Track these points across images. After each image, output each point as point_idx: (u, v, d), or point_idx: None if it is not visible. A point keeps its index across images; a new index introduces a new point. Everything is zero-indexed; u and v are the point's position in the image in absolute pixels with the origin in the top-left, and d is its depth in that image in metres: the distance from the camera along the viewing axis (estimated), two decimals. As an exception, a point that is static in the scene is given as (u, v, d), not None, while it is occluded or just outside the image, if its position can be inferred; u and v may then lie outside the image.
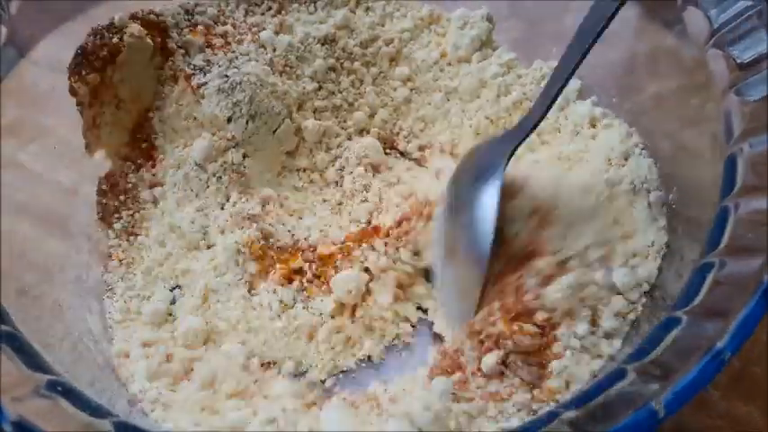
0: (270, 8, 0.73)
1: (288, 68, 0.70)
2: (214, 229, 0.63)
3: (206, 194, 0.64)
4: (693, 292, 0.45)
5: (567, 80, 0.57)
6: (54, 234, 0.59)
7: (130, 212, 0.65)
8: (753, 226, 0.45)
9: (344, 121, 0.72)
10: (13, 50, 0.59)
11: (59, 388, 0.41)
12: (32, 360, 0.43)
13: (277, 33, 0.71)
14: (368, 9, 0.75)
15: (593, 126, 0.66)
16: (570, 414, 0.41)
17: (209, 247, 0.63)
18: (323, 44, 0.71)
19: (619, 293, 0.54)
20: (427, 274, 0.61)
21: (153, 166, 0.66)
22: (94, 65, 0.63)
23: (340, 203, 0.67)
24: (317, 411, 0.52)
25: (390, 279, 0.60)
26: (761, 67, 0.50)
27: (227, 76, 0.65)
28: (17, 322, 0.46)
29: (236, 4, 0.72)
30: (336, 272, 0.60)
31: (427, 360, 0.56)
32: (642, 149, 0.61)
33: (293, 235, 0.63)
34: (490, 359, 0.52)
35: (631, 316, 0.54)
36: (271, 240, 0.62)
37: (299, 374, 0.56)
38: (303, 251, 0.62)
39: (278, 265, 0.61)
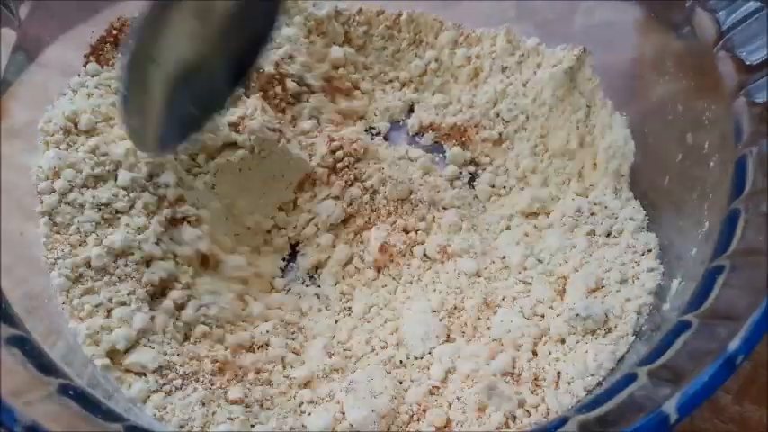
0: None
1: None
2: None
3: None
4: (704, 295, 0.44)
5: None
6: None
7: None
8: (763, 228, 0.45)
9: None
10: (22, 54, 0.59)
11: (71, 392, 0.41)
12: (44, 364, 0.43)
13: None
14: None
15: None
16: (581, 417, 0.41)
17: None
18: None
19: None
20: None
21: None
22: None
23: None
24: None
25: None
26: (769, 69, 0.50)
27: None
28: (27, 325, 0.46)
29: None
30: None
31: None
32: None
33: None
34: None
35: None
36: None
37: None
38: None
39: None
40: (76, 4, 0.65)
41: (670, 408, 0.38)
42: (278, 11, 0.56)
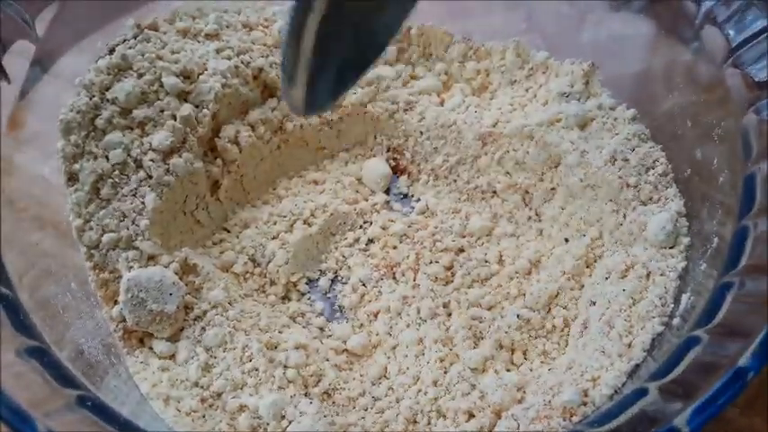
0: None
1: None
2: None
3: None
4: (713, 311, 0.45)
5: None
6: (77, 247, 0.59)
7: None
8: (772, 244, 0.45)
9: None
10: (36, 66, 0.60)
11: (89, 403, 0.41)
12: (62, 375, 0.43)
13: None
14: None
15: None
16: (592, 432, 0.41)
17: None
18: None
19: None
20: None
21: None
22: None
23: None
24: None
25: None
26: (778, 86, 0.51)
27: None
28: (42, 334, 0.47)
29: None
30: None
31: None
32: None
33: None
34: None
35: None
36: None
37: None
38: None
39: None
40: (88, 14, 0.66)
41: (681, 423, 0.38)
42: None
